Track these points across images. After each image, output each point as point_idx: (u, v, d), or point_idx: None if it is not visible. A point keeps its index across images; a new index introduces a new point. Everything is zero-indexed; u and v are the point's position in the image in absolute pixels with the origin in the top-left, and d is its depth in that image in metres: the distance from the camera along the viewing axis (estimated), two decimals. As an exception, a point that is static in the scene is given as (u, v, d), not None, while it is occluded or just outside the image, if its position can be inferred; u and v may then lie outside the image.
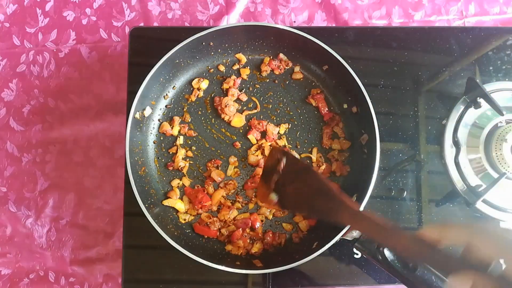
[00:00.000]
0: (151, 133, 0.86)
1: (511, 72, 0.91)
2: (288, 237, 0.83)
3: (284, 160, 0.70)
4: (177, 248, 0.72)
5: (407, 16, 1.01)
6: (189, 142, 0.86)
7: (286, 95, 0.88)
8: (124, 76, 0.88)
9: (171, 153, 0.85)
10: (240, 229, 0.80)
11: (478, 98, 0.86)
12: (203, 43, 0.83)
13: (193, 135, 0.86)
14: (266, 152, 0.84)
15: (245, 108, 0.87)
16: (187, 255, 0.72)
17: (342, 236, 0.74)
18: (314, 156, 0.85)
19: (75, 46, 0.99)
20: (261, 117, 0.87)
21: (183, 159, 0.85)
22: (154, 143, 0.86)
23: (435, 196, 0.86)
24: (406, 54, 0.91)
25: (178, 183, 0.84)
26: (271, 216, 0.83)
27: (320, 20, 1.01)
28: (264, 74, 0.88)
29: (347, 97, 0.85)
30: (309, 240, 0.80)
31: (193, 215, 0.82)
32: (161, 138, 0.86)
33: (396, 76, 0.90)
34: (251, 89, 0.88)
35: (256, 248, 0.80)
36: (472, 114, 0.88)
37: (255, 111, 0.87)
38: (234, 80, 0.87)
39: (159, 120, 0.86)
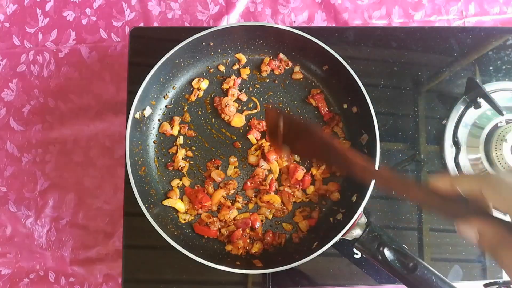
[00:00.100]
0: (151, 133, 0.86)
1: (511, 72, 0.91)
2: (288, 237, 0.83)
3: (281, 123, 0.70)
4: (177, 248, 0.72)
5: (407, 16, 1.01)
6: (189, 142, 0.86)
7: (286, 95, 0.88)
8: (124, 76, 0.88)
9: (171, 153, 0.85)
10: (240, 229, 0.80)
11: (478, 98, 0.86)
12: (203, 43, 0.83)
13: (193, 135, 0.86)
14: (266, 152, 0.84)
15: (245, 108, 0.87)
16: (187, 255, 0.72)
17: (342, 236, 0.74)
18: (314, 156, 0.85)
19: (75, 46, 0.99)
20: (261, 117, 0.87)
21: (183, 159, 0.85)
22: (154, 143, 0.86)
23: (435, 196, 0.86)
24: (406, 54, 0.91)
25: (178, 183, 0.84)
26: (271, 216, 0.83)
27: (320, 20, 1.01)
28: (264, 74, 0.88)
29: (347, 97, 0.85)
30: (309, 240, 0.80)
31: (193, 215, 0.82)
32: (161, 138, 0.86)
33: (396, 76, 0.91)
34: (251, 89, 0.88)
35: (256, 248, 0.80)
36: (472, 114, 0.88)
37: (255, 111, 0.87)
38: (234, 80, 0.87)
39: (159, 120, 0.86)
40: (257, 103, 0.87)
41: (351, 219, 0.73)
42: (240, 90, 0.88)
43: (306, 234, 0.82)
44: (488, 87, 0.88)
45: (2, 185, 0.94)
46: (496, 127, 0.86)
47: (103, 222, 0.92)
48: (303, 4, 1.01)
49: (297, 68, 0.89)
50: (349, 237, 0.75)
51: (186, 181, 0.84)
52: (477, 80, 0.85)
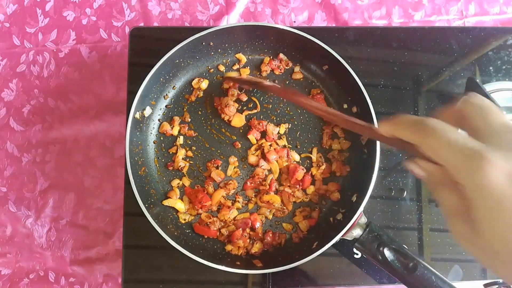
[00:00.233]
0: (151, 133, 0.86)
1: (511, 72, 0.92)
2: (288, 237, 0.83)
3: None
4: (177, 248, 0.72)
5: (407, 16, 1.01)
6: (189, 142, 0.86)
7: (286, 95, 0.88)
8: (124, 76, 0.88)
9: (171, 153, 0.85)
10: (240, 229, 0.80)
11: (478, 98, 0.86)
12: (203, 43, 0.83)
13: (193, 135, 0.86)
14: (266, 152, 0.84)
15: (245, 108, 0.87)
16: (187, 255, 0.72)
17: (342, 236, 0.74)
18: (314, 156, 0.85)
19: (75, 46, 0.99)
20: (261, 117, 0.87)
21: (183, 159, 0.85)
22: (154, 143, 0.86)
23: (435, 196, 0.86)
24: (406, 54, 0.91)
25: (178, 183, 0.84)
26: (271, 216, 0.83)
27: (320, 20, 1.01)
28: (264, 74, 0.88)
29: (347, 97, 0.85)
30: (309, 240, 0.80)
31: (193, 215, 0.82)
32: (161, 138, 0.86)
33: (396, 76, 0.91)
34: (251, 89, 0.88)
35: (256, 248, 0.80)
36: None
37: (255, 111, 0.87)
38: (234, 80, 0.87)
39: (159, 120, 0.86)
40: (257, 103, 0.87)
41: (351, 219, 0.73)
42: (240, 90, 0.88)
43: (306, 234, 0.82)
44: (488, 87, 0.88)
45: (2, 185, 0.94)
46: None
47: (103, 222, 0.92)
48: (303, 4, 1.01)
49: (297, 68, 0.89)
50: (349, 237, 0.75)
51: (186, 181, 0.84)
52: (477, 80, 0.85)
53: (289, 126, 0.87)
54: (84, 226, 0.93)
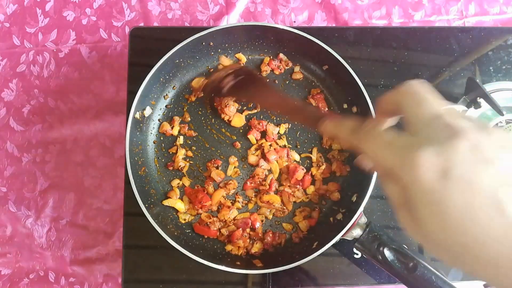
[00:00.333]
0: (151, 133, 0.86)
1: (511, 72, 0.92)
2: (288, 237, 0.83)
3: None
4: (177, 248, 0.72)
5: (407, 16, 1.01)
6: (189, 142, 0.86)
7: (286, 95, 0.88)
8: (124, 76, 0.88)
9: (171, 153, 0.85)
10: (240, 229, 0.80)
11: (478, 98, 0.86)
12: (203, 43, 0.83)
13: (193, 135, 0.86)
14: (266, 152, 0.84)
15: (245, 108, 0.87)
16: (187, 255, 0.72)
17: (342, 236, 0.74)
18: (314, 156, 0.85)
19: (75, 46, 0.99)
20: (261, 117, 0.87)
21: (183, 159, 0.85)
22: (154, 143, 0.86)
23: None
24: (406, 54, 0.91)
25: (178, 183, 0.84)
26: (271, 216, 0.83)
27: (320, 20, 1.01)
28: (264, 74, 0.88)
29: (347, 97, 0.85)
30: (309, 240, 0.80)
31: (193, 215, 0.82)
32: (161, 138, 0.86)
33: (396, 76, 0.91)
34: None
35: (256, 248, 0.80)
36: (472, 114, 0.88)
37: (255, 111, 0.87)
38: (234, 80, 0.87)
39: (159, 120, 0.86)
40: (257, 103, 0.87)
41: (351, 219, 0.73)
42: (240, 90, 0.88)
43: (306, 234, 0.82)
44: (488, 87, 0.88)
45: (2, 185, 0.94)
46: (496, 127, 0.86)
47: (103, 222, 0.92)
48: (303, 4, 1.01)
49: (297, 68, 0.89)
50: (349, 237, 0.75)
51: (186, 181, 0.84)
52: (477, 80, 0.85)
53: (289, 126, 0.87)
54: (84, 226, 0.93)
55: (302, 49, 0.85)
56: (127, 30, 0.99)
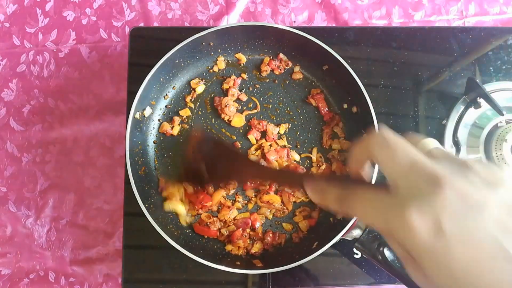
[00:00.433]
0: (151, 133, 0.86)
1: (511, 72, 0.92)
2: (288, 237, 0.83)
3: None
4: (177, 248, 0.72)
5: (407, 16, 1.01)
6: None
7: (286, 95, 0.88)
8: (124, 76, 0.88)
9: (171, 153, 0.85)
10: (240, 229, 0.80)
11: (478, 98, 0.86)
12: (203, 43, 0.83)
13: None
14: (266, 152, 0.84)
15: (245, 108, 0.87)
16: (187, 255, 0.72)
17: (342, 236, 0.74)
18: (314, 156, 0.85)
19: (75, 46, 0.99)
20: (261, 117, 0.87)
21: (183, 159, 0.84)
22: (154, 143, 0.86)
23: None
24: (406, 54, 0.91)
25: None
26: (271, 216, 0.83)
27: (320, 20, 1.01)
28: (264, 74, 0.88)
29: (347, 97, 0.85)
30: (309, 240, 0.80)
31: (193, 215, 0.82)
32: (161, 138, 0.86)
33: (396, 76, 0.91)
34: (251, 89, 0.88)
35: (256, 248, 0.80)
36: (472, 114, 0.88)
37: (255, 111, 0.87)
38: (234, 80, 0.87)
39: (159, 120, 0.86)
40: (257, 103, 0.87)
41: (351, 219, 0.73)
42: (240, 90, 0.88)
43: (306, 234, 0.82)
44: (488, 87, 0.88)
45: (2, 185, 0.94)
46: (496, 127, 0.86)
47: (103, 222, 0.92)
48: (303, 4, 1.01)
49: (297, 68, 0.89)
50: (349, 237, 0.75)
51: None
52: (477, 80, 0.85)
53: (289, 126, 0.87)
54: (84, 226, 0.93)
55: (302, 49, 0.85)
56: (127, 30, 0.99)
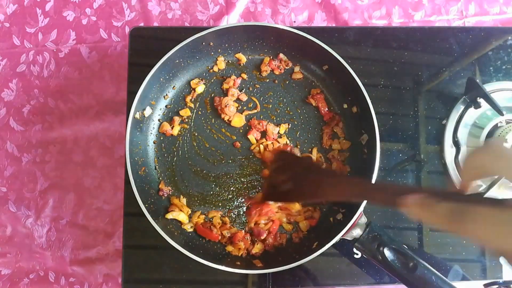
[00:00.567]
0: (151, 133, 0.86)
1: (511, 72, 0.91)
2: (288, 237, 0.83)
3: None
4: (177, 248, 0.72)
5: (407, 16, 1.01)
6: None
7: (286, 95, 0.88)
8: (124, 76, 0.88)
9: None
10: (243, 231, 0.81)
11: (478, 98, 0.86)
12: (203, 43, 0.83)
13: (194, 135, 0.86)
14: (265, 151, 0.84)
15: (245, 108, 0.87)
16: (187, 255, 0.72)
17: (342, 236, 0.74)
18: (314, 156, 0.85)
19: (75, 46, 0.99)
20: (261, 117, 0.87)
21: (183, 159, 0.85)
22: (154, 143, 0.86)
23: (435, 196, 0.86)
24: (406, 54, 0.91)
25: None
26: (285, 220, 0.83)
27: (320, 20, 1.01)
28: (264, 74, 0.88)
29: (347, 97, 0.85)
30: (309, 240, 0.80)
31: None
32: (161, 138, 0.86)
33: (396, 76, 0.91)
34: (251, 89, 0.88)
35: (257, 249, 0.80)
36: (472, 114, 0.88)
37: (255, 111, 0.87)
38: (234, 80, 0.87)
39: (159, 120, 0.86)
40: (257, 103, 0.87)
41: (351, 219, 0.73)
42: (240, 90, 0.88)
43: (306, 234, 0.82)
44: (488, 87, 0.88)
45: (2, 185, 0.94)
46: (496, 127, 0.86)
47: (103, 222, 0.92)
48: (303, 4, 1.01)
49: (297, 68, 0.89)
50: (349, 237, 0.75)
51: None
52: (477, 80, 0.85)
53: (289, 126, 0.87)
54: (84, 226, 0.93)
55: (302, 49, 0.85)
56: (127, 30, 0.99)
